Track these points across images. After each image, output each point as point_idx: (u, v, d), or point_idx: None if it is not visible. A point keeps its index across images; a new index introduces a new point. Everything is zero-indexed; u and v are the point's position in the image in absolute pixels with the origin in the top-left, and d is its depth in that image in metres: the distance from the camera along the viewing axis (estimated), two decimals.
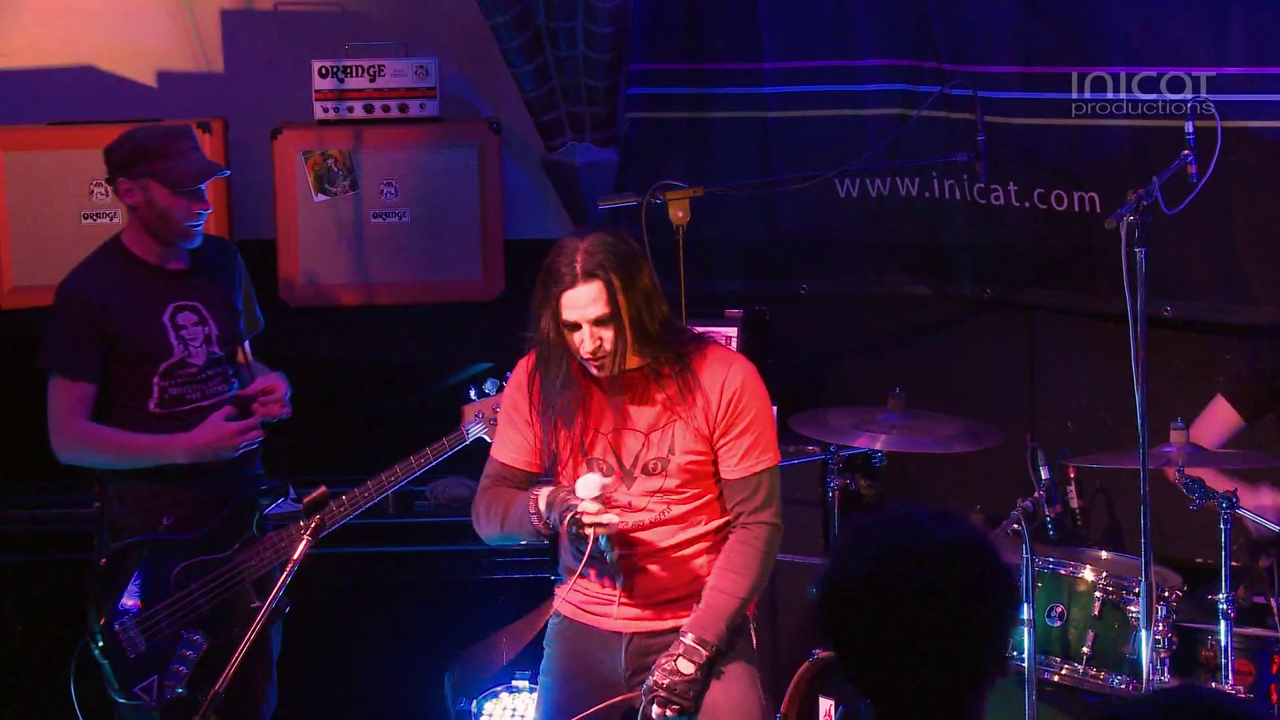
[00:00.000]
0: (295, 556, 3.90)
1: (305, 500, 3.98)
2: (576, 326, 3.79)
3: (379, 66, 5.91)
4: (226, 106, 6.04)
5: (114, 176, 4.64)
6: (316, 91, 5.92)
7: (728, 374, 3.88)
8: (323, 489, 3.98)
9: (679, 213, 5.01)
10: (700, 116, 5.98)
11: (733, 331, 5.43)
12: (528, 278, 5.65)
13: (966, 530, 2.37)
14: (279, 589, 3.93)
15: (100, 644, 4.50)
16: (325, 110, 5.92)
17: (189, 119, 5.75)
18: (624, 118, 6.06)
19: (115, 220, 5.74)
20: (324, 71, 5.91)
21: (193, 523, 4.60)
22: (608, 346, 3.78)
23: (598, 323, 3.77)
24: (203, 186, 4.61)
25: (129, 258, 4.66)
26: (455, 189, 5.91)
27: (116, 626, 4.50)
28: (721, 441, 3.89)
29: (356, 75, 5.91)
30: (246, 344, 4.84)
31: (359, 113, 5.92)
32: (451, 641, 5.36)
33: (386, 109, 5.92)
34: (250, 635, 3.89)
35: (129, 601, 4.53)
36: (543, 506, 3.85)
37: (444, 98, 5.99)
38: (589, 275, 3.75)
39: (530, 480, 4.01)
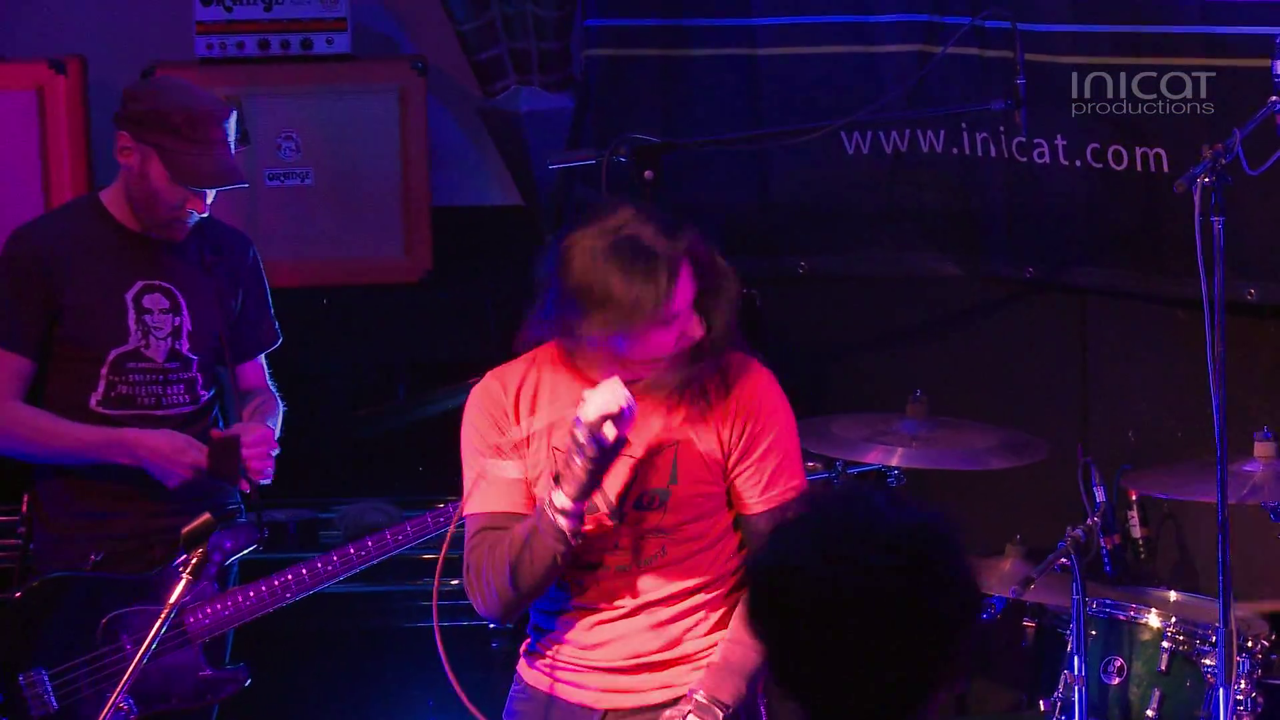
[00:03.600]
0: (171, 601, 3.92)
1: (184, 531, 3.98)
2: None
3: None
4: (86, 41, 6.03)
5: (120, 123, 4.65)
6: (198, 23, 5.92)
7: (742, 381, 3.84)
8: (205, 516, 3.98)
9: (648, 173, 4.96)
10: (675, 54, 5.97)
11: None
12: (459, 253, 5.62)
13: (926, 517, 2.50)
14: (152, 639, 3.92)
15: (1, 700, 4.53)
16: (209, 46, 5.92)
17: (39, 56, 5.82)
18: (580, 55, 6.07)
19: None
20: None
21: (129, 559, 4.62)
22: None
23: None
24: (206, 191, 4.64)
25: (103, 217, 4.71)
26: (370, 144, 5.92)
27: (22, 679, 4.53)
28: (739, 468, 3.83)
29: (248, 2, 5.91)
30: (263, 362, 4.92)
31: (251, 49, 5.93)
32: (371, 701, 5.39)
33: (285, 45, 5.94)
34: (124, 683, 3.89)
35: (43, 650, 4.55)
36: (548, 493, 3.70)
37: (356, 31, 6.01)
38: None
39: None
